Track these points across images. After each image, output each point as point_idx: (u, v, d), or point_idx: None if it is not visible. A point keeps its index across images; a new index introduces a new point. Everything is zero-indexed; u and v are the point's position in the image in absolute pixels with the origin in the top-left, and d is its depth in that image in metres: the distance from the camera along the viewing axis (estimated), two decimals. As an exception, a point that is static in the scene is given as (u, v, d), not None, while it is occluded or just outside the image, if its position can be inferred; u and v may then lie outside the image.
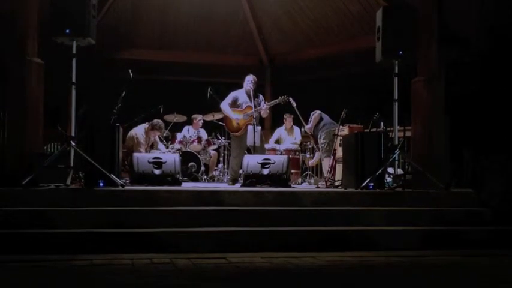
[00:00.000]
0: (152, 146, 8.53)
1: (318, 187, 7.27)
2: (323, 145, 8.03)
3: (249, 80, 7.29)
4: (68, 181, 5.13)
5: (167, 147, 8.90)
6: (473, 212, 5.22)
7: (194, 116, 9.41)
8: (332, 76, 9.96)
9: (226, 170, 8.90)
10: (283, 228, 4.65)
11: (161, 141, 9.06)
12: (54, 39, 5.37)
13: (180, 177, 6.26)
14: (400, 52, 5.85)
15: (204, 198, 4.99)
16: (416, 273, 3.83)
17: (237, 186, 6.59)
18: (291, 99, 7.83)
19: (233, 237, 4.41)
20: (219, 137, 9.26)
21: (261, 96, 7.49)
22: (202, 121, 9.41)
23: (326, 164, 7.97)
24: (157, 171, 6.08)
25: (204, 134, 9.37)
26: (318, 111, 8.24)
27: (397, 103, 6.02)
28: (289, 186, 6.41)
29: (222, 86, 8.51)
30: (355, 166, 5.82)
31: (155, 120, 8.35)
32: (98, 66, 9.28)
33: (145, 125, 8.32)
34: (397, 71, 6.00)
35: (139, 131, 8.21)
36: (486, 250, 4.62)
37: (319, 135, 8.13)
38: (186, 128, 9.49)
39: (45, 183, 5.10)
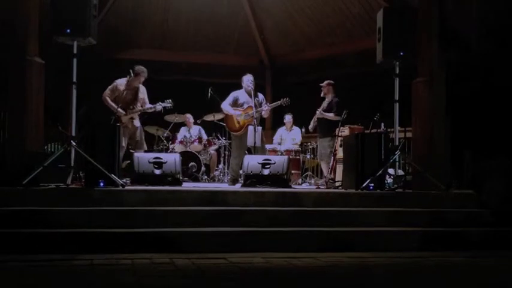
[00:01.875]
0: (133, 102, 7.29)
1: (318, 188, 7.27)
2: (327, 151, 7.83)
3: (249, 80, 7.28)
4: (69, 181, 5.14)
5: (166, 146, 8.92)
6: (473, 213, 5.21)
7: (185, 115, 9.49)
8: (333, 77, 9.95)
9: (226, 170, 8.90)
10: (283, 228, 4.65)
11: (161, 140, 9.06)
12: (55, 39, 5.38)
13: (181, 177, 6.27)
14: (401, 53, 5.86)
15: (204, 199, 4.99)
16: (416, 274, 3.83)
17: (238, 187, 6.59)
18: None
19: (233, 237, 4.41)
20: (220, 137, 9.27)
21: (261, 95, 7.48)
22: (191, 118, 9.49)
23: (325, 167, 7.93)
24: (157, 171, 6.08)
25: (201, 132, 9.41)
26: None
27: (397, 104, 6.02)
28: (290, 187, 6.41)
29: (223, 87, 8.51)
30: (355, 167, 5.82)
31: (135, 66, 7.40)
32: (99, 66, 9.28)
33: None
34: (397, 71, 6.01)
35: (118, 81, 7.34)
36: (486, 251, 4.62)
37: (326, 137, 7.81)
38: (184, 128, 9.53)
39: (45, 182, 5.11)
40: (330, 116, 7.78)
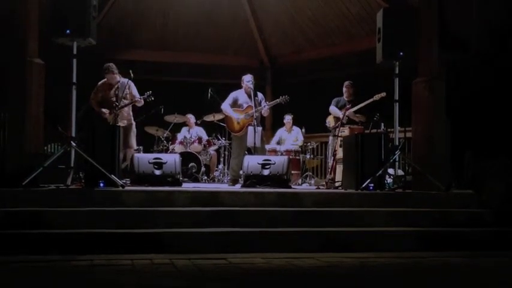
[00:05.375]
0: (112, 99, 7.12)
1: (318, 188, 7.27)
2: None
3: (249, 80, 7.28)
4: (69, 181, 5.13)
5: (166, 146, 8.93)
6: (474, 213, 5.21)
7: (187, 115, 9.48)
8: (333, 77, 9.96)
9: (226, 170, 8.90)
10: (283, 229, 4.65)
11: (161, 141, 9.05)
12: (55, 39, 5.38)
13: (181, 178, 6.26)
14: (401, 53, 5.86)
15: (204, 199, 4.99)
16: (416, 274, 3.83)
17: (237, 187, 6.58)
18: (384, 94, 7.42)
19: (233, 238, 4.41)
20: (220, 137, 9.27)
21: (260, 94, 7.47)
22: (193, 119, 9.47)
23: None
24: (157, 172, 6.08)
25: (202, 133, 9.40)
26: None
27: (397, 104, 6.03)
28: (290, 187, 6.41)
29: (223, 87, 8.51)
30: (355, 167, 5.82)
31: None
32: (99, 66, 9.29)
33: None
34: (397, 71, 6.01)
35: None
36: (487, 251, 4.62)
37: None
38: (185, 128, 9.53)
39: (45, 183, 5.11)
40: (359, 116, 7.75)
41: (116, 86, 7.20)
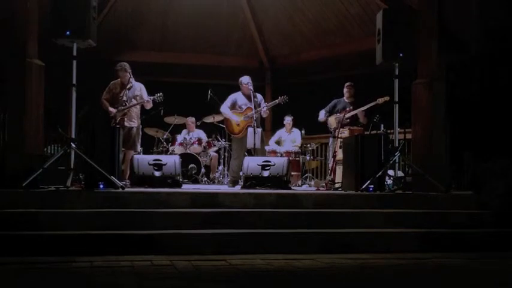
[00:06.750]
0: (122, 100, 7.19)
1: (318, 189, 7.27)
2: None
3: (248, 82, 7.28)
4: (68, 183, 5.14)
5: (166, 148, 8.91)
6: (473, 214, 5.21)
7: (187, 118, 9.44)
8: (332, 78, 9.97)
9: (226, 172, 8.90)
10: (283, 230, 4.64)
11: (161, 142, 9.05)
12: (55, 41, 5.39)
13: (180, 179, 6.26)
14: (401, 54, 5.86)
15: (204, 200, 4.99)
16: (416, 275, 3.83)
17: (237, 188, 6.59)
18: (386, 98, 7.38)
19: (233, 239, 4.40)
20: (220, 138, 9.27)
21: (259, 95, 7.48)
22: (193, 122, 9.42)
23: None
24: (157, 173, 6.09)
25: (202, 135, 9.38)
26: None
27: (397, 105, 6.03)
28: (290, 188, 6.41)
29: (223, 88, 8.52)
30: (355, 168, 5.82)
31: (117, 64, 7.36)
32: (99, 68, 9.30)
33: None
34: (397, 73, 6.01)
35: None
36: (487, 252, 4.62)
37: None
38: (185, 130, 9.51)
39: (45, 185, 5.10)
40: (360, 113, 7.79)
41: (128, 86, 7.23)
